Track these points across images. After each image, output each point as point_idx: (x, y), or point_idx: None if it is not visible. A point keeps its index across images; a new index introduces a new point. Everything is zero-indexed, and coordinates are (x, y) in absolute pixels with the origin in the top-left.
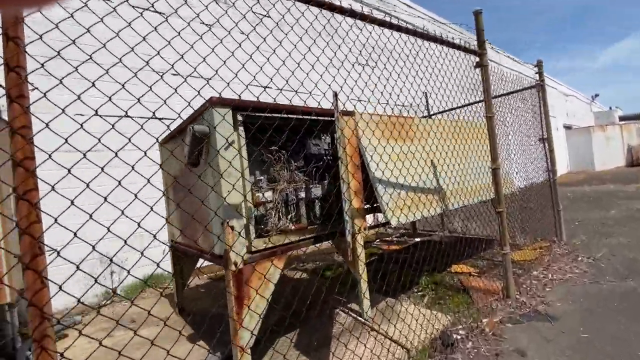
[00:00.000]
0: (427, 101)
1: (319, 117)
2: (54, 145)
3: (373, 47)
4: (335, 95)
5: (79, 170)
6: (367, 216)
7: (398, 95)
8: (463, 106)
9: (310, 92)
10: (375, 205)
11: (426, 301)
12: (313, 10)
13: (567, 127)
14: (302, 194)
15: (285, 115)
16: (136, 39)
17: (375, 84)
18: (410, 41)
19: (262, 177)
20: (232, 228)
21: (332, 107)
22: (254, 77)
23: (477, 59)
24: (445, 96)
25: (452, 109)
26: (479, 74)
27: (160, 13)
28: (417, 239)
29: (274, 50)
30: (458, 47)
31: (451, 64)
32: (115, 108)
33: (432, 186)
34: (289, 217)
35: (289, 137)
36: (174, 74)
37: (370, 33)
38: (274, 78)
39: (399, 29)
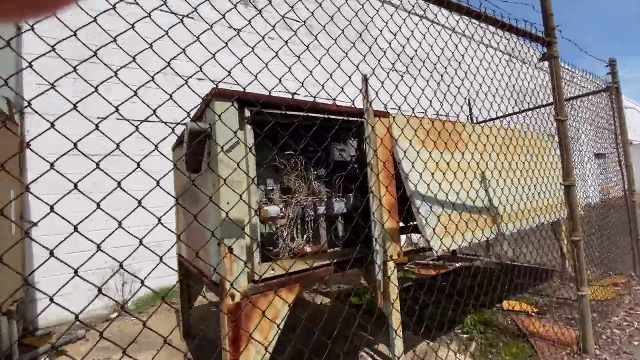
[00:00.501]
0: (470, 109)
1: (347, 118)
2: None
3: (404, 49)
4: (365, 79)
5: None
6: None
7: (442, 104)
8: (521, 112)
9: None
10: (410, 224)
11: (474, 349)
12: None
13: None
14: (323, 209)
15: (305, 114)
16: (167, 44)
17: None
18: (451, 43)
19: (274, 187)
20: (231, 250)
21: (362, 94)
22: (280, 80)
23: (545, 50)
24: (488, 103)
25: (505, 116)
26: (531, 78)
27: (192, 19)
28: (458, 264)
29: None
30: (523, 34)
31: (499, 68)
32: (133, 113)
33: (484, 205)
34: (306, 237)
35: (309, 141)
36: (200, 79)
37: (410, 35)
38: (302, 84)
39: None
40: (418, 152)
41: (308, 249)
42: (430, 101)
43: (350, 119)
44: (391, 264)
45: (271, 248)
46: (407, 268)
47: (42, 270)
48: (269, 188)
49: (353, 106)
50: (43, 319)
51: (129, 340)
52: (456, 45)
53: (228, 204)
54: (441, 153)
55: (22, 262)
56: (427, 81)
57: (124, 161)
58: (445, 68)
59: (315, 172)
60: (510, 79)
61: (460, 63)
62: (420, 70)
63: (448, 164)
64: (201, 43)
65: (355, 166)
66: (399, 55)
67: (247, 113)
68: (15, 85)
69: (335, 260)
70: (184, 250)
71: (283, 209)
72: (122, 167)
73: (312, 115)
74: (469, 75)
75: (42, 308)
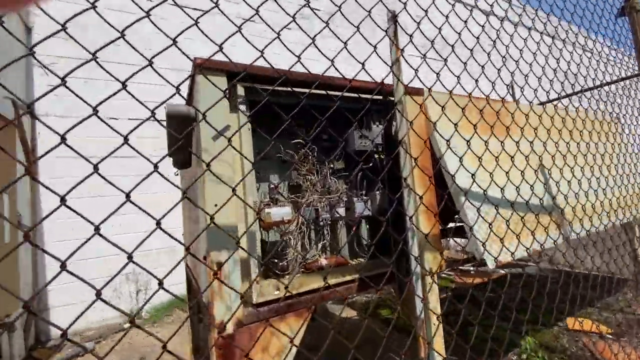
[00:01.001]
0: (513, 93)
1: (371, 96)
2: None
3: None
4: (394, 18)
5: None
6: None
7: (477, 83)
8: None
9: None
10: (448, 226)
11: None
12: None
13: None
14: (341, 211)
15: (318, 92)
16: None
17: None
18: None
19: (279, 185)
20: (219, 266)
21: (389, 37)
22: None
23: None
24: (531, 87)
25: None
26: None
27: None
28: (503, 271)
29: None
30: None
31: (541, 50)
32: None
33: (547, 202)
34: (320, 246)
35: (323, 126)
36: None
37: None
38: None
39: None
40: (462, 137)
41: (323, 261)
42: (476, 81)
43: (376, 97)
44: (430, 280)
45: (275, 261)
46: (443, 275)
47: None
48: (273, 185)
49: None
50: (55, 329)
51: (139, 355)
52: (501, 28)
53: (215, 205)
54: (487, 139)
55: (17, 271)
56: (465, 63)
57: (139, 163)
58: (488, 53)
59: (331, 165)
60: (553, 62)
61: (495, 42)
62: (453, 51)
63: (499, 152)
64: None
65: (381, 156)
66: (432, 41)
67: (241, 90)
68: (26, 87)
69: (358, 276)
70: (189, 258)
71: (290, 210)
72: (137, 170)
73: (327, 93)
74: (507, 56)
75: (54, 317)
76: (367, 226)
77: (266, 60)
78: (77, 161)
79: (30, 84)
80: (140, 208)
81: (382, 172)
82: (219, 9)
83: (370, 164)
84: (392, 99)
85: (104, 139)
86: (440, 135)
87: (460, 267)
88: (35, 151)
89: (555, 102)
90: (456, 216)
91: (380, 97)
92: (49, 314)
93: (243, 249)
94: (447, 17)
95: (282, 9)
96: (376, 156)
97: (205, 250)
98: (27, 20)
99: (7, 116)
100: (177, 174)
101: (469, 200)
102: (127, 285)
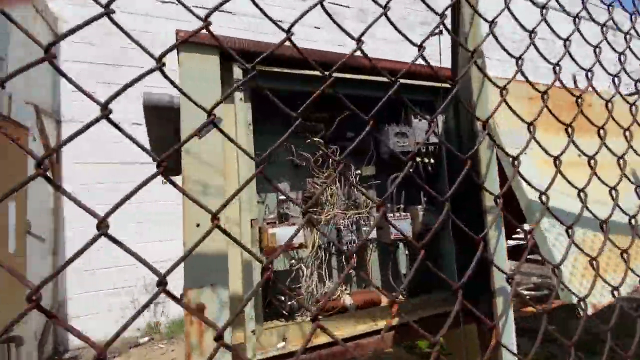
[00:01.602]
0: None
1: (414, 81)
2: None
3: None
4: None
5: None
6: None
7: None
8: None
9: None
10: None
11: None
12: None
13: None
14: (371, 231)
15: (343, 75)
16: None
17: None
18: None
19: (289, 196)
20: (198, 309)
21: None
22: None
23: None
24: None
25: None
26: None
27: None
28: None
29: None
30: None
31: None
32: None
33: None
34: (342, 277)
35: (348, 121)
36: None
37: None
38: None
39: None
40: (535, 136)
41: (348, 300)
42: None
43: (422, 83)
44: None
45: (282, 298)
46: None
47: (74, 286)
48: (282, 197)
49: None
50: (73, 340)
51: None
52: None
53: (198, 225)
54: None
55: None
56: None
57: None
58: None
59: (359, 171)
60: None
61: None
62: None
63: (591, 155)
64: None
65: (426, 160)
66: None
67: (238, 73)
68: (52, 92)
69: (396, 322)
70: None
71: (304, 230)
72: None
73: (356, 78)
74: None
75: (74, 327)
76: (407, 252)
77: (292, 43)
78: (98, 166)
79: (57, 89)
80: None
81: (432, 184)
82: None
83: (411, 170)
84: (447, 86)
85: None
86: (502, 129)
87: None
88: (59, 157)
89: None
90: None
91: (435, 84)
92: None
93: (242, 283)
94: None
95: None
96: (418, 159)
97: (184, 285)
98: (55, 26)
99: (27, 121)
100: (165, 183)
101: (554, 217)
102: (146, 297)
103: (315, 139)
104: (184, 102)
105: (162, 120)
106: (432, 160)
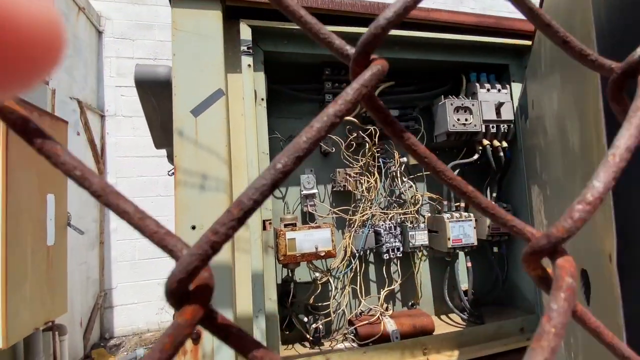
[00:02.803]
0: None
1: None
2: None
3: None
4: None
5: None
6: None
7: None
8: None
9: None
10: None
11: None
12: None
13: None
14: (422, 237)
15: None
16: None
17: None
18: None
19: (314, 191)
20: (194, 337)
21: None
22: None
23: None
24: None
25: None
26: None
27: None
28: None
29: None
30: None
31: None
32: None
33: None
34: (383, 294)
35: (390, 94)
36: None
37: None
38: None
39: None
40: None
41: (390, 325)
42: None
43: (493, 40)
44: None
45: (305, 320)
46: None
47: (119, 276)
48: (306, 191)
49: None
50: (119, 327)
51: None
52: None
53: (193, 228)
54: None
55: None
56: None
57: None
58: None
59: (404, 159)
60: None
61: None
62: None
63: None
64: None
65: (501, 144)
66: None
67: (247, 33)
68: (97, 87)
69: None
70: None
71: (331, 233)
72: None
73: (403, 35)
74: None
75: (118, 315)
76: (469, 263)
77: None
78: (140, 160)
79: (101, 84)
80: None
81: (506, 174)
82: None
83: (476, 156)
84: (527, 43)
85: None
86: None
87: None
88: (104, 151)
89: None
90: None
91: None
92: (113, 312)
93: (252, 304)
94: None
95: None
96: (486, 143)
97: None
98: (99, 22)
99: (68, 116)
100: (172, 174)
101: None
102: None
103: (348, 117)
104: (176, 70)
105: (156, 96)
106: (504, 144)
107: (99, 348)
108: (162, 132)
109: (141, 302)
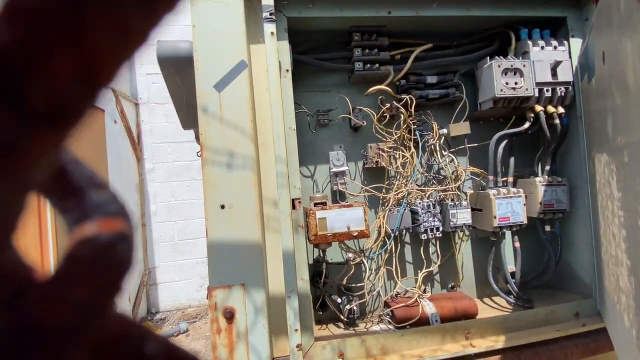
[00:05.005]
0: None
1: None
2: None
3: None
4: None
5: None
6: None
7: None
8: None
9: None
10: None
11: None
12: None
13: None
14: (464, 214)
15: None
16: None
17: None
18: None
19: (345, 167)
20: (228, 315)
21: None
22: None
23: None
24: None
25: None
26: None
27: None
28: None
29: None
30: None
31: None
32: None
33: None
34: (421, 276)
35: (427, 59)
36: None
37: None
38: None
39: None
40: None
41: (429, 308)
42: None
43: None
44: None
45: (339, 301)
46: None
47: (161, 256)
48: (336, 169)
49: None
50: (163, 302)
51: None
52: None
53: (222, 207)
54: None
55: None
56: None
57: None
58: None
59: (444, 130)
60: None
61: None
62: None
63: None
64: None
65: (557, 110)
66: None
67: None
68: (129, 76)
69: (502, 344)
70: None
71: (364, 212)
72: None
73: None
74: None
75: (162, 292)
76: (516, 243)
77: None
78: (174, 146)
79: (133, 73)
80: None
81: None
82: None
83: (527, 125)
84: None
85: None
86: None
87: None
88: (140, 137)
89: None
90: None
91: None
92: (157, 289)
93: (288, 285)
94: None
95: None
96: (539, 109)
97: (212, 284)
98: None
99: (104, 104)
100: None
101: None
102: None
103: (380, 86)
104: (197, 42)
105: (180, 74)
106: (561, 110)
107: (146, 322)
108: (188, 111)
109: (182, 279)
